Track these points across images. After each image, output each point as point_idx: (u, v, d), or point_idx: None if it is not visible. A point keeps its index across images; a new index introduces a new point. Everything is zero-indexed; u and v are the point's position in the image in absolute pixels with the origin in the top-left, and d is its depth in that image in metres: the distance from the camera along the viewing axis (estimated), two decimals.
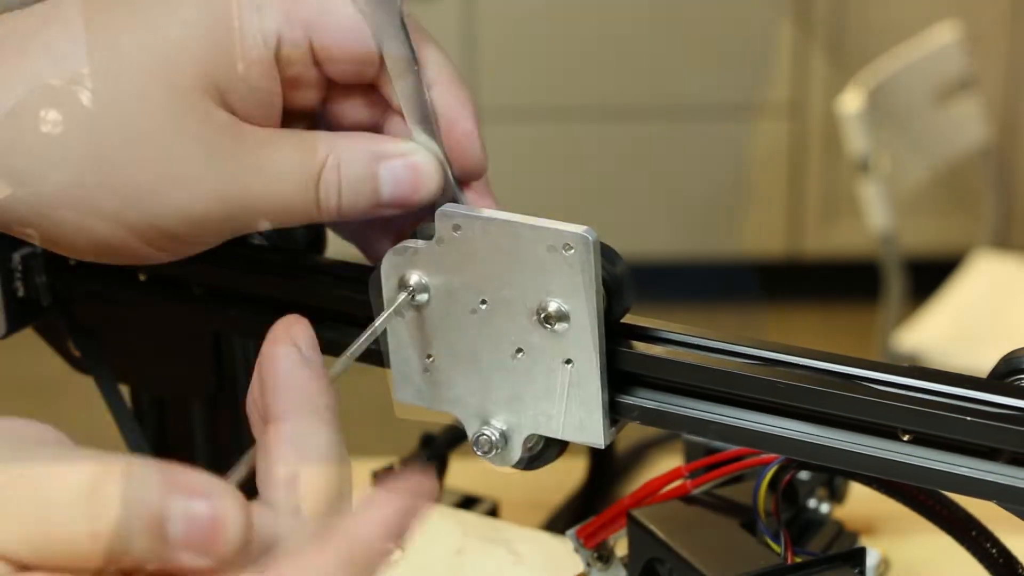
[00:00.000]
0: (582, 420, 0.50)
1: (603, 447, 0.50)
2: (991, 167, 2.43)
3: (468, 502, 0.80)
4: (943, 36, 2.31)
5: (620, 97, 2.91)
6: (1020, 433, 0.45)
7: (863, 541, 0.66)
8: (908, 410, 0.46)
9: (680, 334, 0.50)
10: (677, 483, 0.59)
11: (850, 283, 3.01)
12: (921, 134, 2.25)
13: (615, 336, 0.50)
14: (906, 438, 0.47)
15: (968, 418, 0.45)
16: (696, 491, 0.59)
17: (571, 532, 0.61)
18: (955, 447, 0.46)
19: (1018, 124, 2.93)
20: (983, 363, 1.95)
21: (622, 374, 0.50)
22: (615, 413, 0.50)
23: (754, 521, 0.58)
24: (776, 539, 0.57)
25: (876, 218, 2.13)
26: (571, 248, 0.48)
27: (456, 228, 0.50)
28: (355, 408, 0.85)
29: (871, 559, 0.64)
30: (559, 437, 0.51)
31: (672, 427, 0.50)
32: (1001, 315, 2.23)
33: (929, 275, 2.46)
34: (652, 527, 0.58)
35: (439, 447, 0.80)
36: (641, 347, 0.50)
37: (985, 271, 2.34)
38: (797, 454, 0.49)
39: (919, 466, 0.47)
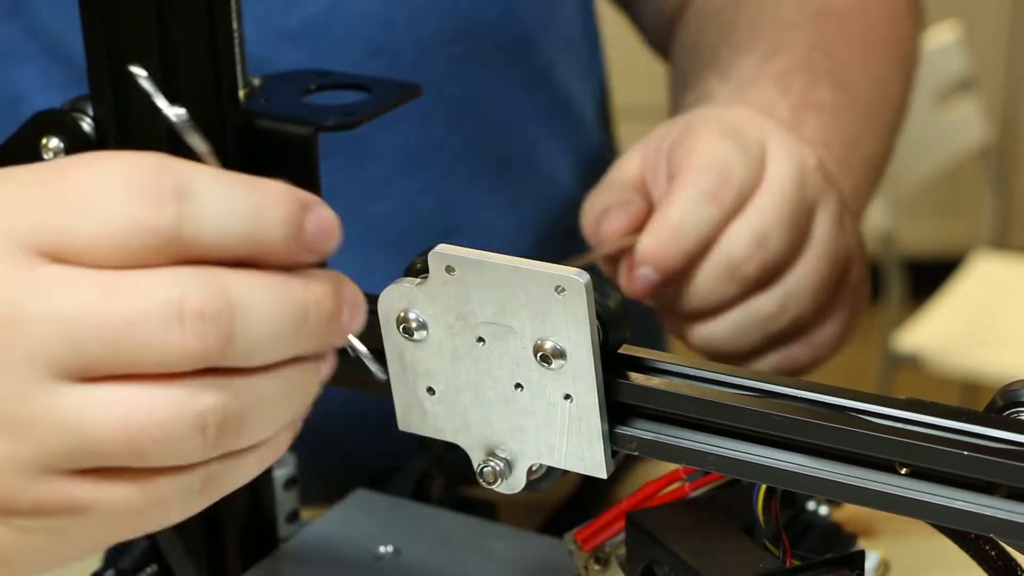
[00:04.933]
0: (583, 452, 0.50)
1: (605, 477, 0.51)
2: (991, 167, 2.43)
3: (466, 503, 0.80)
4: (943, 36, 2.31)
5: (620, 97, 2.90)
6: (1018, 468, 0.45)
7: (862, 543, 0.66)
8: (905, 444, 0.46)
9: (677, 364, 0.51)
10: (676, 486, 0.59)
11: None
12: (921, 134, 2.25)
13: (612, 367, 0.51)
14: (904, 471, 0.47)
15: (965, 452, 0.46)
16: (695, 494, 0.59)
17: (569, 535, 0.61)
18: (953, 481, 0.47)
19: (1018, 124, 2.92)
20: (983, 364, 1.96)
21: (619, 405, 0.51)
22: (614, 444, 0.51)
23: (753, 524, 0.58)
24: (775, 542, 0.57)
25: (876, 218, 2.13)
26: (564, 290, 0.48)
27: (449, 270, 0.50)
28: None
29: (870, 561, 0.64)
30: (561, 467, 0.51)
31: (670, 459, 0.51)
32: (1001, 315, 2.23)
33: (929, 275, 2.46)
34: (651, 530, 0.58)
35: (440, 447, 0.80)
36: (639, 379, 0.51)
37: (985, 271, 2.34)
38: (795, 486, 0.49)
39: (917, 500, 0.47)
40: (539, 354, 0.49)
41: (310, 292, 0.43)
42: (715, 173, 0.68)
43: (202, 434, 0.42)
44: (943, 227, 2.92)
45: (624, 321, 0.50)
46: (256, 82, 0.62)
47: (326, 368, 0.46)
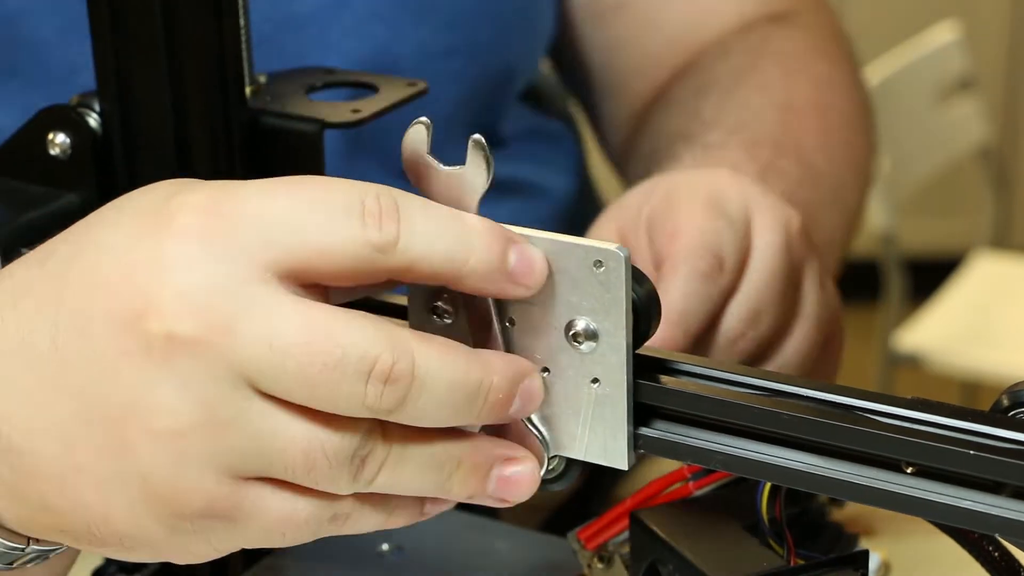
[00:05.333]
0: (606, 441, 0.50)
1: (626, 469, 0.50)
2: (991, 167, 2.43)
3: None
4: (943, 36, 2.31)
5: None
6: (1023, 467, 0.45)
7: (863, 543, 0.66)
8: (911, 443, 0.47)
9: (683, 363, 0.51)
10: (680, 484, 0.59)
11: (850, 283, 3.00)
12: (921, 134, 2.25)
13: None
14: (910, 470, 0.47)
15: (971, 452, 0.46)
16: (699, 492, 0.59)
17: (572, 534, 0.61)
18: (958, 480, 0.47)
19: (1018, 124, 2.93)
20: (983, 363, 1.95)
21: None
22: None
23: (757, 523, 0.58)
24: (779, 541, 0.57)
25: (876, 218, 2.13)
26: (602, 265, 0.47)
27: None
28: None
29: (871, 563, 0.64)
30: (582, 458, 0.50)
31: (677, 457, 0.50)
32: (1001, 315, 2.23)
33: (929, 275, 2.46)
34: (655, 529, 0.58)
35: None
36: (649, 377, 0.50)
37: (985, 271, 2.34)
38: (802, 485, 0.49)
39: (923, 499, 0.47)
40: (571, 332, 0.48)
41: (488, 377, 0.47)
42: (710, 253, 0.67)
43: (351, 463, 0.46)
44: (943, 227, 2.92)
45: (654, 313, 0.50)
46: (262, 79, 0.62)
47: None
